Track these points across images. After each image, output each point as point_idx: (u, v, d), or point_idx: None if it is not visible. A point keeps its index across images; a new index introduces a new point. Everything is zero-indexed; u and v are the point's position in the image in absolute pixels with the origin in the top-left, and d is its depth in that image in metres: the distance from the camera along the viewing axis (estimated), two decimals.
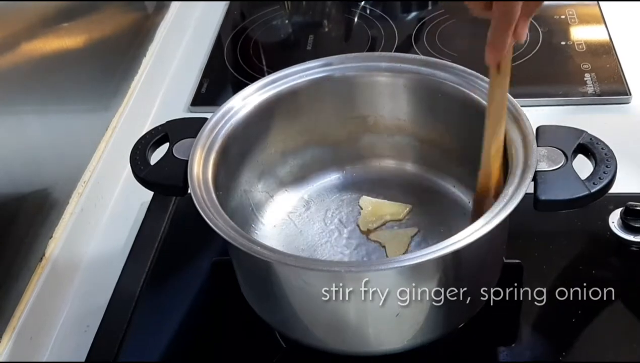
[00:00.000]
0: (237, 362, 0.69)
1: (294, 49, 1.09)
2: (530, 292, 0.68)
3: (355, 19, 1.13)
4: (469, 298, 0.63)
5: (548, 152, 0.61)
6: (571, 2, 1.10)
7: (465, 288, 0.61)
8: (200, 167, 0.63)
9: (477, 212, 0.64)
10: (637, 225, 0.73)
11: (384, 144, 0.76)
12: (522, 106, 0.64)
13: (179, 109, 1.00)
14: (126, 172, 0.88)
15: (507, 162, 0.61)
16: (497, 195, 0.59)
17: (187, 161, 0.64)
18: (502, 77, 0.60)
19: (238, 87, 0.72)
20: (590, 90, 0.93)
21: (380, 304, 0.58)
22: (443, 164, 0.75)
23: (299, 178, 0.77)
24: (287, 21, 1.15)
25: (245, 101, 0.69)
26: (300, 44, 1.09)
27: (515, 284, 0.68)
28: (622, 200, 0.74)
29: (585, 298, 0.69)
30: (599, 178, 0.59)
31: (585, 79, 0.95)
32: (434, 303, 0.59)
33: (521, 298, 0.69)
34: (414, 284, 0.58)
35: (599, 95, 0.92)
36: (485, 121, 0.62)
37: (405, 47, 1.04)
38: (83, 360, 0.70)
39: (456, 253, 0.54)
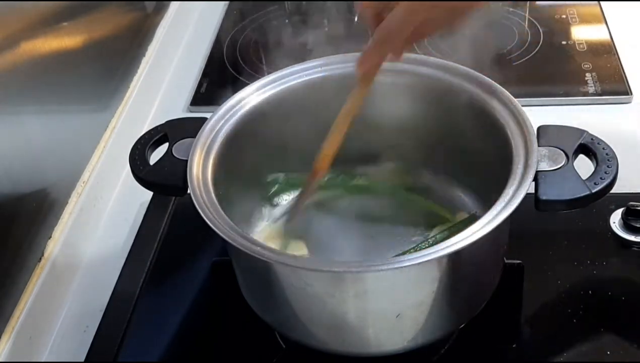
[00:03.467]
0: (237, 362, 0.69)
1: (294, 49, 1.09)
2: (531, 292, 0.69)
3: (355, 19, 1.13)
4: (469, 298, 0.63)
5: (549, 152, 0.61)
6: (572, 2, 1.10)
7: (466, 289, 0.61)
8: (200, 167, 0.63)
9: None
10: (638, 225, 0.73)
11: (384, 144, 0.76)
12: (523, 106, 0.64)
13: (179, 108, 1.00)
14: (125, 172, 0.88)
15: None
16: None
17: (186, 161, 0.64)
18: (359, 90, 0.63)
19: (238, 87, 0.72)
20: (591, 89, 0.93)
21: (381, 305, 0.58)
22: (443, 164, 0.75)
23: (299, 178, 0.77)
24: (287, 21, 1.15)
25: (245, 101, 0.69)
26: (300, 44, 1.09)
27: (516, 284, 0.69)
28: (623, 200, 0.74)
29: (585, 299, 0.69)
30: (600, 178, 0.59)
31: (586, 78, 0.95)
32: (434, 303, 0.59)
33: (522, 299, 0.69)
34: (414, 284, 0.58)
35: (600, 95, 0.92)
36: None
37: None
38: (82, 360, 0.69)
39: (457, 254, 0.54)
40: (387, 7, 0.58)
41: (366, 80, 0.63)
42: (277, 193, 0.76)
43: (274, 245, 0.71)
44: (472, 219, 0.70)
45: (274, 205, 0.76)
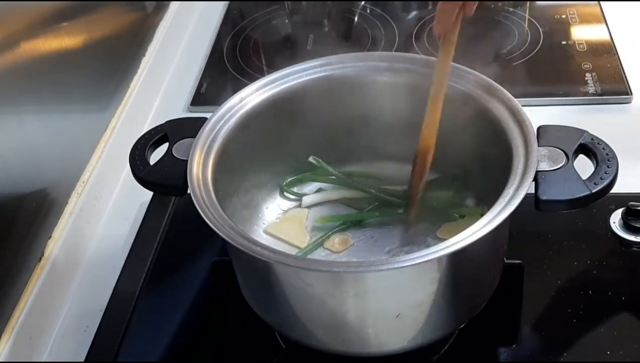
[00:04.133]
0: (237, 362, 0.69)
1: (294, 49, 1.09)
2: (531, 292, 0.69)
3: (355, 19, 1.13)
4: (469, 299, 0.63)
5: (549, 152, 0.61)
6: (572, 2, 1.10)
7: (466, 289, 0.61)
8: (200, 167, 0.63)
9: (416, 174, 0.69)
10: (638, 226, 0.73)
11: (384, 144, 0.76)
12: (523, 106, 0.64)
13: (179, 108, 1.00)
14: (125, 172, 0.88)
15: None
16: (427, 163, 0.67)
17: (186, 161, 0.64)
18: (444, 52, 0.63)
19: (238, 87, 0.72)
20: (591, 89, 0.93)
21: (381, 305, 0.58)
22: (443, 164, 0.75)
23: (299, 178, 0.77)
24: (287, 21, 1.15)
25: (245, 101, 0.69)
26: (300, 44, 1.09)
27: (516, 284, 0.68)
28: (623, 200, 0.74)
29: (586, 299, 0.69)
30: (600, 178, 0.59)
31: (586, 78, 0.95)
32: (434, 303, 0.59)
33: (522, 299, 0.69)
34: (414, 284, 0.58)
35: (600, 95, 0.92)
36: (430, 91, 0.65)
37: (405, 47, 1.04)
38: (82, 360, 0.69)
39: (457, 254, 0.54)
40: None
41: (447, 43, 0.63)
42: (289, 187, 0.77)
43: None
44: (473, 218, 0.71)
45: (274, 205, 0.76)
